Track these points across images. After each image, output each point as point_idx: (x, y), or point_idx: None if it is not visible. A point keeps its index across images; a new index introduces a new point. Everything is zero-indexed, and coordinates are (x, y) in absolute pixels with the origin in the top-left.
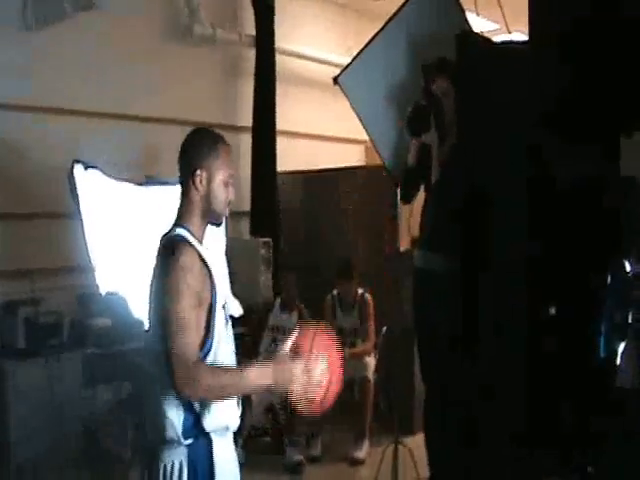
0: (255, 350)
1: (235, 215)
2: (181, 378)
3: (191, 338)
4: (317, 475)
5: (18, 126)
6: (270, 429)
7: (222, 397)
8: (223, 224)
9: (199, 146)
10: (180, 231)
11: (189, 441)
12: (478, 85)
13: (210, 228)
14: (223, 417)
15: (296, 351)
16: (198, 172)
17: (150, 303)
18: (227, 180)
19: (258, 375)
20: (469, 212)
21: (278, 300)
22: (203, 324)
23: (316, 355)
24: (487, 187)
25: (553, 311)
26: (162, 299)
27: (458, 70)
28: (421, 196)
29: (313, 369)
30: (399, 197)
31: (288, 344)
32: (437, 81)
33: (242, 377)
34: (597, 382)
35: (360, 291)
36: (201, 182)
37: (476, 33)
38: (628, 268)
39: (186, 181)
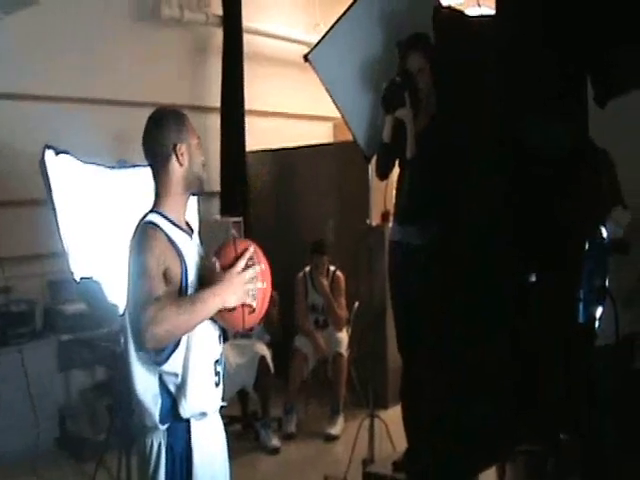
0: (224, 332)
1: (205, 195)
2: (146, 321)
3: (152, 285)
4: (292, 452)
5: None
6: (241, 416)
7: (185, 331)
8: (195, 204)
9: (170, 123)
10: (152, 217)
11: (167, 425)
12: (454, 59)
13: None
14: (200, 402)
15: (227, 264)
16: (179, 146)
17: (127, 287)
18: (198, 143)
19: (211, 296)
20: (445, 186)
21: None
22: None
23: (247, 262)
24: (463, 160)
25: (533, 278)
26: (132, 276)
27: (435, 44)
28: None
29: (251, 276)
30: (375, 173)
31: (216, 263)
32: (411, 57)
33: (199, 303)
34: (576, 347)
35: (332, 268)
36: (182, 155)
37: (451, 7)
38: (605, 234)
39: (164, 159)
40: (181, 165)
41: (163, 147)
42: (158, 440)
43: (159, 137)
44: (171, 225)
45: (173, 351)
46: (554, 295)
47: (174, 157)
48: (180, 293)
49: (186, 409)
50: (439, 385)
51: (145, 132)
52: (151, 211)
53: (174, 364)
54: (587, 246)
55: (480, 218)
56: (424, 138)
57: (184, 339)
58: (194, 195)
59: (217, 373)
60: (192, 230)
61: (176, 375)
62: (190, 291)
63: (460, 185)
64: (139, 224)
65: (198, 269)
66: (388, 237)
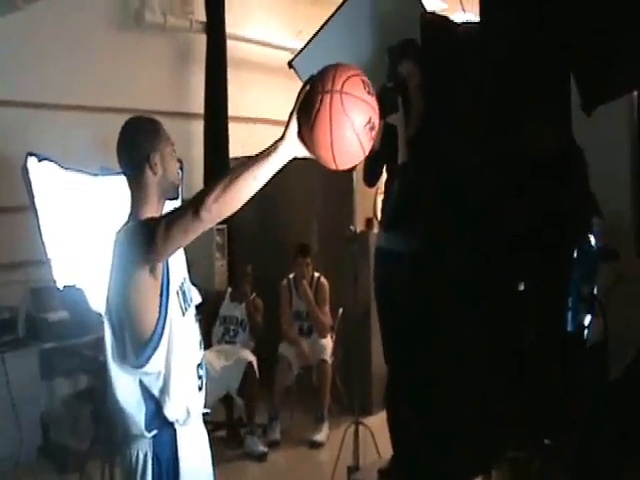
0: (208, 340)
1: None
2: (197, 207)
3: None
4: (277, 459)
5: None
6: (226, 422)
7: (240, 196)
8: (179, 200)
9: (142, 133)
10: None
11: (153, 433)
12: (441, 64)
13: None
14: (184, 404)
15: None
16: (151, 156)
17: (111, 286)
18: (172, 151)
19: (272, 147)
20: (435, 192)
21: (229, 290)
22: (156, 306)
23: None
24: (454, 165)
25: (522, 287)
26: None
27: (423, 51)
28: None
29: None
30: (363, 181)
31: (294, 112)
32: (402, 63)
33: (252, 161)
34: (566, 355)
35: (316, 275)
36: (155, 165)
37: (438, 15)
38: (593, 242)
39: (139, 168)
40: (155, 174)
41: (136, 157)
42: (144, 451)
43: (131, 147)
44: None
45: (154, 351)
46: (543, 303)
47: (147, 167)
48: (161, 290)
49: (171, 410)
50: (425, 393)
51: (118, 142)
52: (130, 219)
53: (156, 364)
54: (575, 254)
55: (469, 225)
56: (415, 144)
57: (165, 341)
58: (170, 200)
59: (200, 377)
60: None
61: (158, 376)
62: (171, 294)
63: (450, 192)
64: (122, 231)
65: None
66: (375, 243)
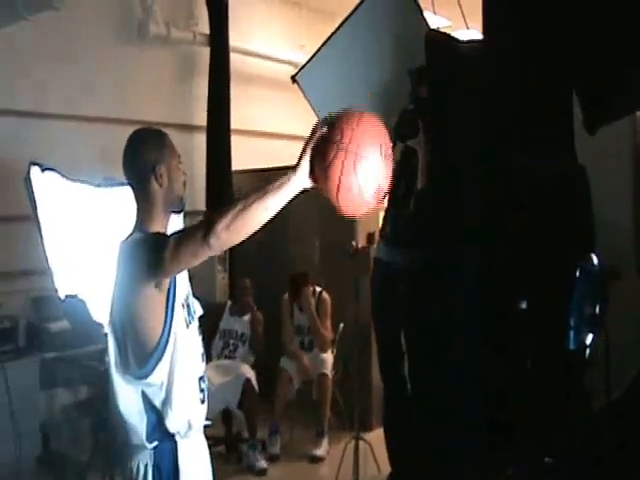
0: (207, 354)
1: (191, 215)
2: (203, 234)
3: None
4: (277, 474)
5: None
6: (225, 437)
7: (251, 225)
8: (182, 223)
9: (148, 144)
10: (139, 235)
11: (154, 444)
12: (446, 82)
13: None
14: (186, 416)
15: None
16: (157, 167)
17: (116, 298)
18: (179, 163)
19: (284, 179)
20: (450, 214)
21: (229, 303)
22: (161, 318)
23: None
24: (459, 185)
25: (524, 305)
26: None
27: (428, 70)
28: None
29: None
30: None
31: (308, 147)
32: (423, 87)
33: (263, 191)
34: (567, 373)
35: (318, 289)
36: (161, 176)
37: (443, 33)
38: (595, 261)
39: (144, 180)
40: (160, 186)
41: (141, 169)
42: (144, 462)
43: (137, 159)
44: None
45: (157, 363)
46: (545, 322)
47: (153, 178)
48: (166, 303)
49: (173, 421)
50: (423, 411)
51: (124, 153)
52: (135, 230)
53: (159, 376)
54: (578, 273)
55: (474, 244)
56: (433, 169)
57: (168, 352)
58: (174, 213)
59: (202, 390)
60: None
61: (160, 387)
62: (177, 306)
63: (462, 215)
64: (127, 243)
65: None
66: (373, 254)
